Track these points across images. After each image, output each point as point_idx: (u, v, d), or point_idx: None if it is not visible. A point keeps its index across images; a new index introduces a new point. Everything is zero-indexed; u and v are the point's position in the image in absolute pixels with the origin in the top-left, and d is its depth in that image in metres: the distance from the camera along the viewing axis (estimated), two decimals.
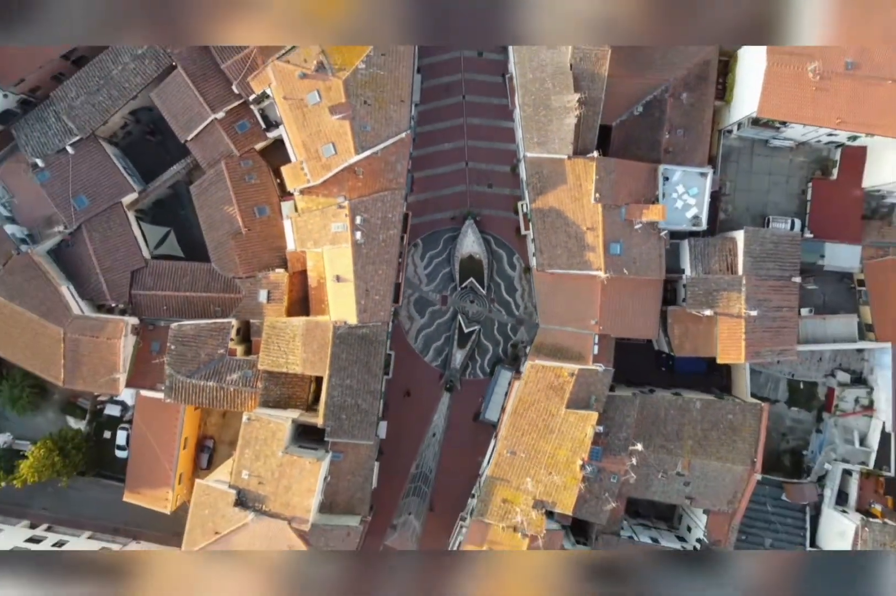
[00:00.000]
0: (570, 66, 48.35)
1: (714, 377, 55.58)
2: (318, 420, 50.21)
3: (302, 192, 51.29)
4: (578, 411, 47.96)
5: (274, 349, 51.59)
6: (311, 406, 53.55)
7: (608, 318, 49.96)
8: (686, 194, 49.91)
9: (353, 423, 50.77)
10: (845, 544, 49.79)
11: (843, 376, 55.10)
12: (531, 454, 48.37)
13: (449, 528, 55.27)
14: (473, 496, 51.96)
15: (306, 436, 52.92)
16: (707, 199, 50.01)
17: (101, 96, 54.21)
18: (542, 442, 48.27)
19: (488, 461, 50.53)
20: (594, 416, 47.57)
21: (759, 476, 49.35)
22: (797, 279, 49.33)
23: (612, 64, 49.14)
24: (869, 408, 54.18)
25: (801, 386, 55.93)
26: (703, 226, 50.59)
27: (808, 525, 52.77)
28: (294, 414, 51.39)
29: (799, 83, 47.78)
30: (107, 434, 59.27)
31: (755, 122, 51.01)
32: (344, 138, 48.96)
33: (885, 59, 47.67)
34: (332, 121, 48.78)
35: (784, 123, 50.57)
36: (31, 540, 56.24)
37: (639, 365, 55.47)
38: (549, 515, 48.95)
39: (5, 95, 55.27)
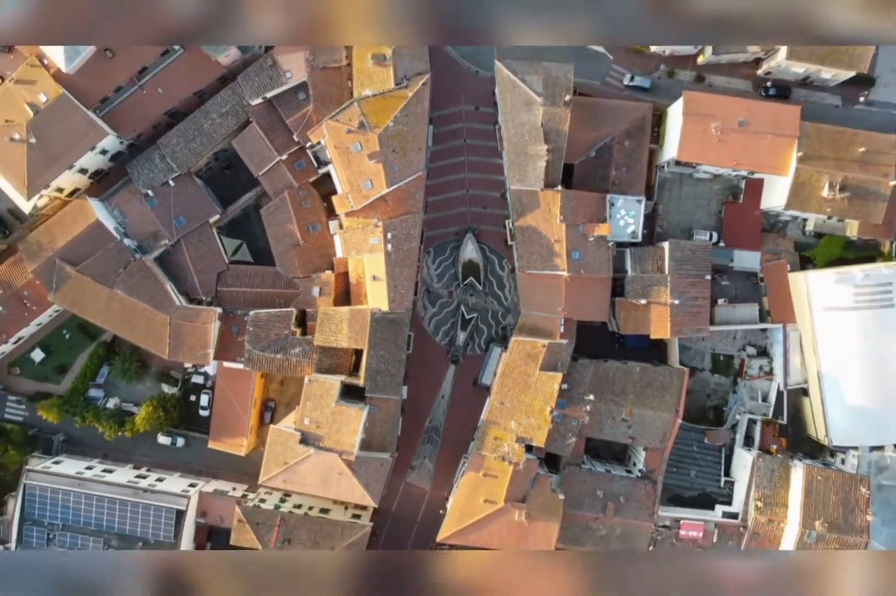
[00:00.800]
0: (542, 124, 72.35)
1: (655, 351, 79.18)
2: (361, 381, 74.10)
3: (347, 214, 75.29)
4: (549, 373, 71.53)
5: (326, 330, 75.40)
6: (352, 372, 77.36)
7: (571, 305, 73.67)
8: (626, 216, 73.79)
9: (385, 383, 74.54)
10: (746, 473, 73.23)
11: (751, 350, 78.71)
12: (515, 404, 72.08)
13: (454, 469, 78.98)
14: (474, 439, 75.54)
15: (348, 395, 76.43)
16: (641, 219, 73.85)
17: (195, 143, 78.52)
18: (523, 395, 71.98)
19: (484, 412, 74.24)
20: (559, 376, 71.16)
21: (680, 421, 72.85)
22: (708, 277, 72.95)
23: (573, 121, 73.03)
24: (769, 373, 77.63)
25: (721, 358, 79.59)
26: (640, 238, 74.40)
27: (723, 461, 76.43)
28: (341, 377, 75.26)
29: (706, 136, 71.80)
30: (192, 397, 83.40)
31: (677, 162, 74.98)
32: (378, 176, 72.85)
33: (767, 118, 71.69)
34: (370, 164, 72.64)
35: (697, 164, 74.64)
36: (139, 476, 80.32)
37: (599, 343, 79.15)
38: (529, 449, 72.52)
39: (121, 142, 79.82)
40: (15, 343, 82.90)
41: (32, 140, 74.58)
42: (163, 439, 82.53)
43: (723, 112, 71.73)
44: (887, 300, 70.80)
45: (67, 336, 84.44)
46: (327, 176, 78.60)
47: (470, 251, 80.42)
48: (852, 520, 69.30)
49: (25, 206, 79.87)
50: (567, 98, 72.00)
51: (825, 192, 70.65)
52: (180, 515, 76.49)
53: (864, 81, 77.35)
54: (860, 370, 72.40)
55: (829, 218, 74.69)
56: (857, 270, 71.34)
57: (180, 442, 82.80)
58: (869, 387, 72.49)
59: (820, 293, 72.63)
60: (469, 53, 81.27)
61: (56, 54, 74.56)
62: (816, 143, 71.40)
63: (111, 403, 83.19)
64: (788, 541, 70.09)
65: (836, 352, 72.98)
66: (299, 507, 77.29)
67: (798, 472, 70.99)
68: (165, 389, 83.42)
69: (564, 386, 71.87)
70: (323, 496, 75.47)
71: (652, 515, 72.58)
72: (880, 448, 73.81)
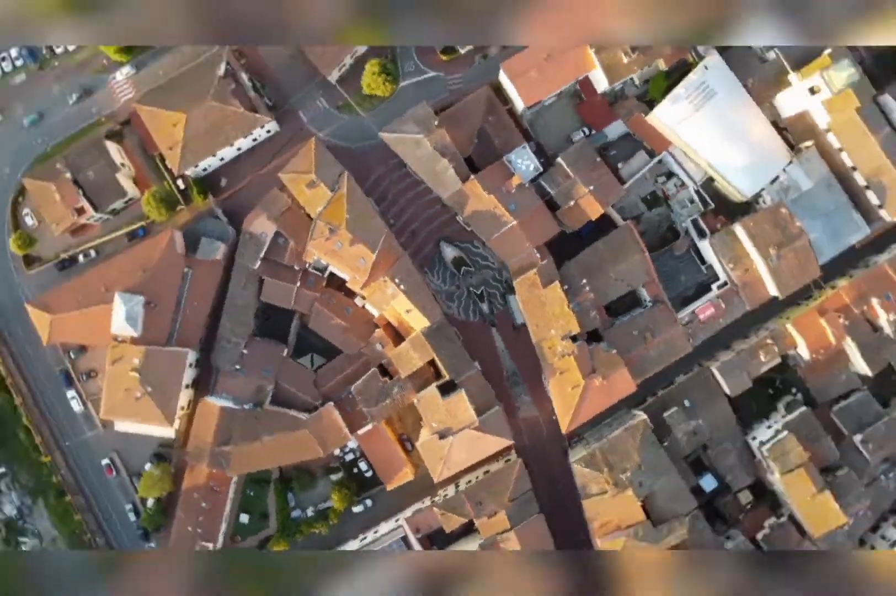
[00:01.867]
0: (434, 148, 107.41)
1: (605, 227, 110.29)
2: (446, 376, 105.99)
3: (361, 287, 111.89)
4: (549, 286, 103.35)
5: (403, 363, 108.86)
6: (436, 378, 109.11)
7: (531, 238, 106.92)
8: (523, 162, 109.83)
9: (461, 367, 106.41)
10: (712, 252, 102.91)
11: (661, 178, 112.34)
12: (544, 320, 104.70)
13: (543, 389, 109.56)
14: (540, 359, 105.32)
15: (445, 391, 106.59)
16: (534, 156, 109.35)
17: (241, 317, 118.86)
18: (544, 310, 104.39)
19: (532, 337, 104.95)
20: (557, 284, 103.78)
21: (648, 254, 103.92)
22: (598, 159, 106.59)
23: (450, 129, 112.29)
24: (683, 185, 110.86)
25: (648, 197, 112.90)
26: (542, 168, 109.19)
27: (696, 257, 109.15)
28: (433, 384, 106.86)
29: (531, 81, 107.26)
30: (355, 470, 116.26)
31: (528, 107, 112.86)
32: (364, 252, 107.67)
33: None
34: (352, 249, 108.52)
35: (539, 101, 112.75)
36: (362, 539, 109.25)
37: (568, 245, 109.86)
38: (574, 339, 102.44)
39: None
40: (226, 522, 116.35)
41: (149, 389, 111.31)
42: (357, 508, 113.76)
43: (531, 59, 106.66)
44: (710, 93, 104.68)
45: (251, 493, 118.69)
46: (332, 275, 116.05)
47: (449, 252, 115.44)
48: (789, 233, 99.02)
49: (170, 433, 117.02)
50: (435, 123, 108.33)
51: (625, 59, 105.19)
52: (405, 539, 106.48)
53: None
54: (727, 142, 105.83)
55: (642, 69, 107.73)
56: (678, 89, 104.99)
57: (369, 503, 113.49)
58: (739, 148, 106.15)
59: (669, 116, 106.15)
60: (352, 138, 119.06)
61: (123, 328, 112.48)
62: None
63: (309, 512, 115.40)
64: (763, 270, 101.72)
65: (706, 141, 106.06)
66: (469, 482, 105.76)
67: (740, 229, 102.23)
68: (333, 478, 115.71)
69: (565, 287, 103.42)
70: (477, 460, 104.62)
71: (675, 320, 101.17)
72: (776, 179, 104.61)
